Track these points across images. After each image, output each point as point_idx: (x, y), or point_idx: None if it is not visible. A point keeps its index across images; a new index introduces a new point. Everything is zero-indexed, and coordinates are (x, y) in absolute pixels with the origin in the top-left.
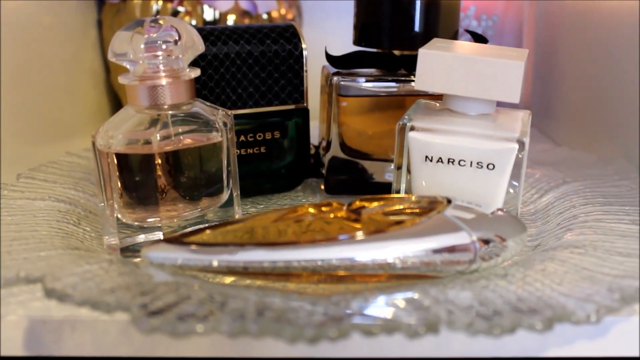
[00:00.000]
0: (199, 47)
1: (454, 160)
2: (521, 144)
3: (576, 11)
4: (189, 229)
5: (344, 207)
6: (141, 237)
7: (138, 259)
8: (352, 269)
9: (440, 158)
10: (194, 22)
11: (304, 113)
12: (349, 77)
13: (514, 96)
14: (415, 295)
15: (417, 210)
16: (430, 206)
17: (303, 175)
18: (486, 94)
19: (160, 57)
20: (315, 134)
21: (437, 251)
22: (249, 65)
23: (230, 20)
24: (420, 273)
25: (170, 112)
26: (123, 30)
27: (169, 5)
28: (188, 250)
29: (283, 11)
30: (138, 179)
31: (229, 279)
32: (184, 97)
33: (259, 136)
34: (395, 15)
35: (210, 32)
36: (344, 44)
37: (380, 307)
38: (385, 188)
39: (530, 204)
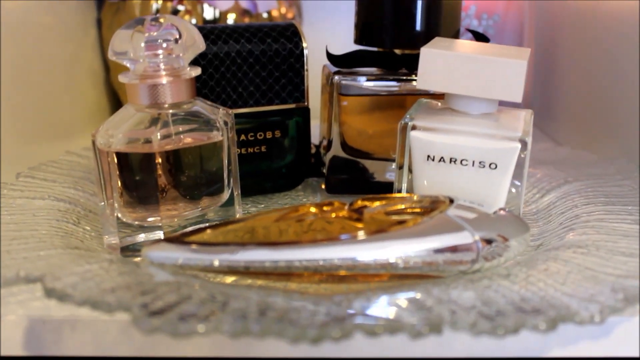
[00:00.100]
0: (200, 45)
1: (456, 160)
2: (524, 143)
3: (577, 11)
4: (190, 229)
5: (346, 207)
6: (141, 237)
7: (138, 259)
8: (354, 268)
9: (442, 157)
10: (193, 21)
11: (305, 112)
12: (350, 76)
13: (516, 95)
14: (418, 295)
15: (419, 210)
16: (433, 206)
17: (304, 174)
18: (489, 93)
19: (161, 56)
20: (315, 133)
21: (439, 251)
22: (249, 64)
23: (230, 19)
24: (423, 273)
25: (170, 111)
26: (123, 28)
27: (169, 4)
28: (189, 250)
29: (283, 10)
30: (138, 178)
31: (229, 279)
32: (185, 95)
33: (260, 135)
34: (397, 14)
35: (211, 30)
36: (344, 43)
37: (383, 307)
38: (386, 187)
39: (531, 204)
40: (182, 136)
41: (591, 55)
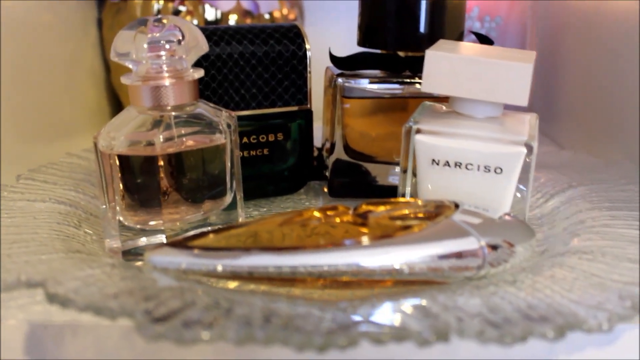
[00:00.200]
0: (203, 47)
1: (461, 164)
2: (529, 147)
3: (579, 13)
4: (193, 233)
5: (350, 211)
6: (143, 240)
7: (140, 263)
8: (359, 274)
9: (447, 161)
10: (195, 22)
11: (308, 115)
12: (353, 79)
13: (522, 99)
14: (423, 302)
15: (425, 215)
16: (438, 211)
17: (306, 177)
18: (494, 96)
19: (164, 57)
20: (318, 135)
21: (445, 257)
22: (252, 66)
23: (232, 20)
24: (427, 279)
25: (173, 113)
26: (126, 29)
27: (170, 5)
28: (192, 255)
29: (285, 11)
30: (140, 180)
31: (232, 284)
32: (188, 98)
33: (262, 138)
34: (400, 15)
35: (213, 32)
36: (345, 45)
37: (389, 314)
38: (388, 191)
39: (535, 209)
40: (184, 139)
41: (594, 58)
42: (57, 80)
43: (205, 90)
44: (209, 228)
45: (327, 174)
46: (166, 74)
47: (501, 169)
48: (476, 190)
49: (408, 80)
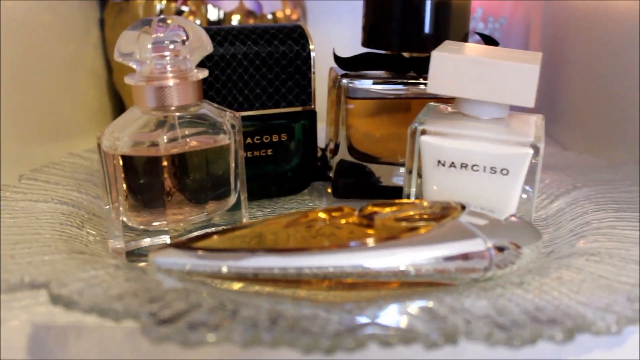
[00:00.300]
0: (207, 47)
1: (467, 165)
2: (535, 149)
3: (583, 13)
4: (197, 234)
5: (356, 213)
6: (147, 241)
7: (143, 263)
8: (365, 276)
9: (452, 163)
10: (198, 22)
11: (311, 115)
12: (358, 79)
13: (528, 100)
14: (430, 304)
15: (431, 217)
16: (444, 212)
17: (310, 178)
18: (500, 97)
19: (168, 58)
20: (322, 136)
21: (451, 258)
22: (256, 67)
23: (235, 20)
24: (434, 281)
25: (177, 113)
26: (130, 29)
27: (173, 5)
28: (196, 256)
29: (288, 11)
30: (144, 181)
31: (236, 285)
32: (192, 98)
33: (266, 138)
34: (405, 16)
35: (217, 32)
36: (348, 45)
37: (395, 316)
38: (392, 191)
39: (541, 210)
40: (188, 139)
41: (597, 59)
42: (59, 80)
43: (209, 90)
44: (213, 229)
45: (331, 174)
46: (170, 75)
47: (507, 170)
48: (482, 191)
49: (412, 81)
